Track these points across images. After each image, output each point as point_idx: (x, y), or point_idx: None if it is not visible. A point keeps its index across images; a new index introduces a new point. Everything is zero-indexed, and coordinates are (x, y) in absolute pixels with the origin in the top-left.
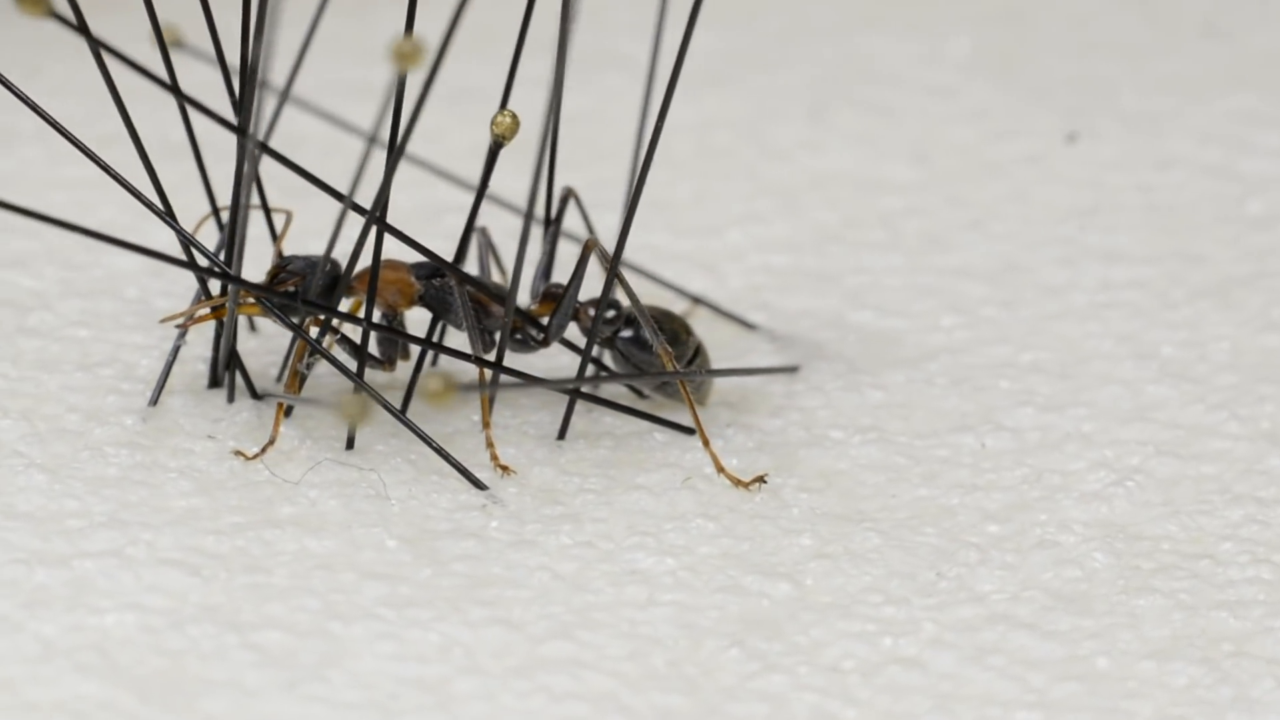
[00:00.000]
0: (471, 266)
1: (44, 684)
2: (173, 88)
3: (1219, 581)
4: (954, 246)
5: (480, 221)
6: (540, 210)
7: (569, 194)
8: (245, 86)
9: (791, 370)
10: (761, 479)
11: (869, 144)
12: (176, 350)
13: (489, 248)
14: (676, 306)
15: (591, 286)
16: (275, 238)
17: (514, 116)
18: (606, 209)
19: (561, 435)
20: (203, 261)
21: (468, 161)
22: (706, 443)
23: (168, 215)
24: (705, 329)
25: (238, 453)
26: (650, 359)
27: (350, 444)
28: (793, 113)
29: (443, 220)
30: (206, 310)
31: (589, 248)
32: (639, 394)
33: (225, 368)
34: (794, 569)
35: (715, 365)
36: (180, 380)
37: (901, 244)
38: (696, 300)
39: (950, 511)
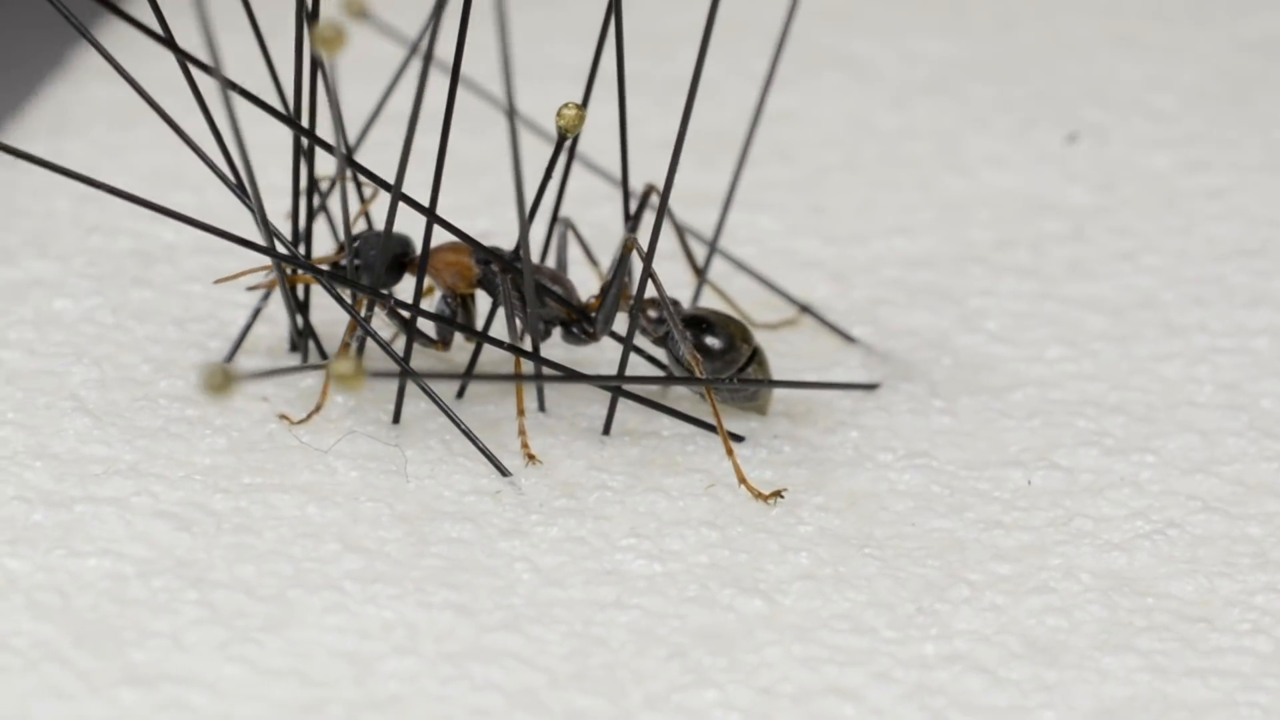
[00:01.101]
0: (547, 256)
1: None
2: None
3: (1206, 648)
4: (1096, 277)
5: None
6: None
7: (650, 191)
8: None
9: (869, 388)
10: (779, 494)
11: (1058, 164)
12: (257, 312)
13: (566, 239)
14: (786, 313)
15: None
16: (351, 211)
17: (578, 108)
18: (762, 209)
19: (606, 430)
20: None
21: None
22: (730, 451)
23: (238, 188)
24: (807, 339)
25: (282, 416)
26: (714, 365)
27: (396, 418)
28: (998, 127)
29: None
30: (262, 275)
31: (629, 246)
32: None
33: (299, 334)
34: (775, 587)
35: (800, 375)
36: (268, 342)
37: (1043, 270)
38: (803, 309)
39: (961, 546)
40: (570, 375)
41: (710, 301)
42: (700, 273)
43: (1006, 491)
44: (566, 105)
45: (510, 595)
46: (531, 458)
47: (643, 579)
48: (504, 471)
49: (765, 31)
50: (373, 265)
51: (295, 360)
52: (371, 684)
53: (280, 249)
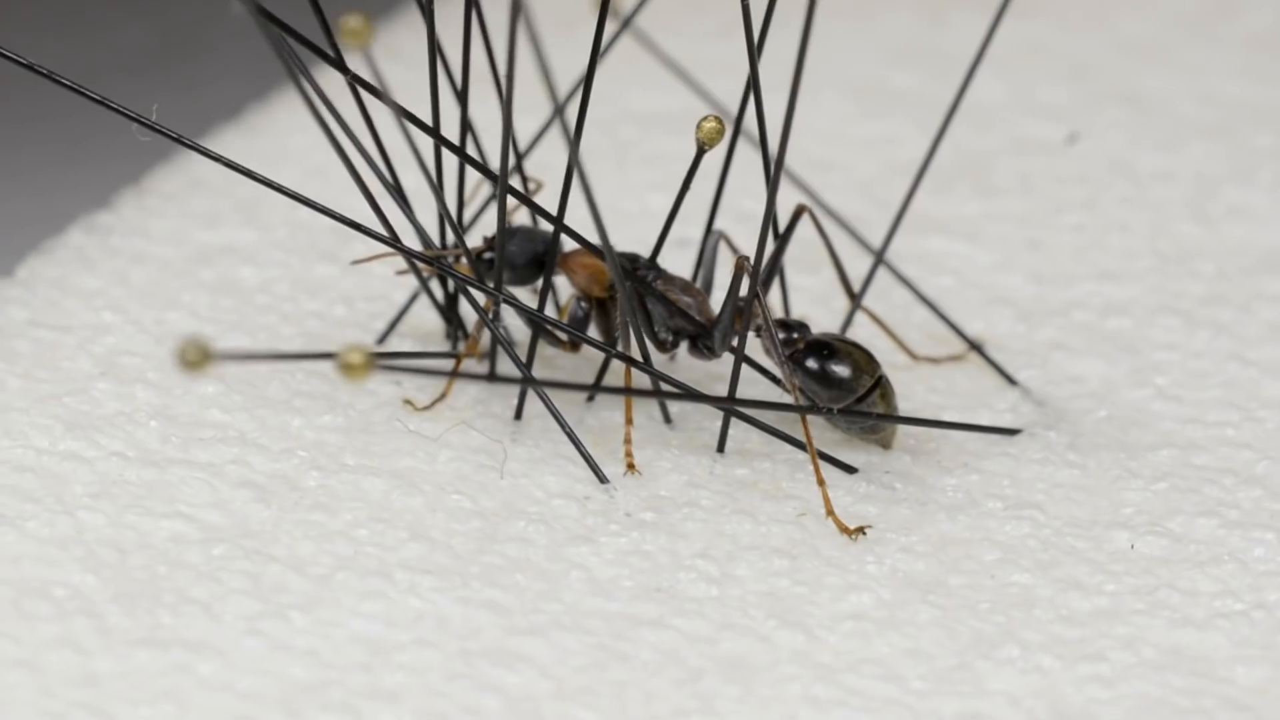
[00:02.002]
0: (699, 268)
1: (42, 564)
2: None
3: None
4: None
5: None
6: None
7: (801, 211)
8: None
9: (1009, 433)
10: (863, 530)
11: None
12: (415, 296)
13: (716, 252)
14: (955, 348)
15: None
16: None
17: (719, 120)
18: (978, 240)
19: (720, 448)
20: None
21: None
22: (821, 481)
23: (394, 183)
24: (969, 376)
25: (406, 401)
26: (830, 393)
27: (518, 414)
28: (1263, 177)
29: (730, 224)
30: (402, 262)
31: (740, 267)
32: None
33: (449, 322)
34: (821, 623)
35: (943, 412)
36: (428, 328)
37: (1242, 330)
38: (972, 346)
39: (1032, 604)
40: (679, 392)
41: (865, 329)
42: (855, 298)
43: (1103, 553)
44: (706, 118)
45: (553, 601)
46: (631, 467)
47: (692, 601)
48: (602, 478)
49: (1065, 59)
50: (512, 261)
51: (445, 348)
52: (380, 672)
53: (416, 245)
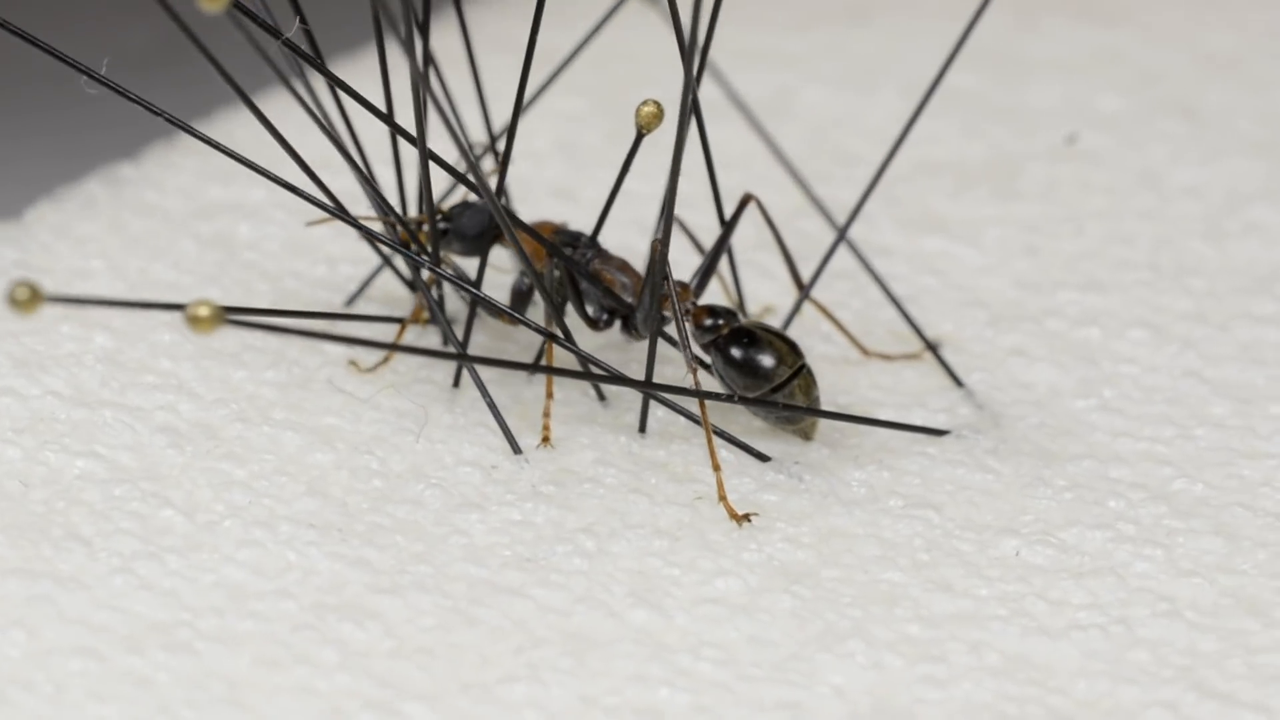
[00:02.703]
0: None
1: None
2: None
3: None
4: (1262, 364)
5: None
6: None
7: (748, 200)
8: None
9: (938, 434)
10: (749, 517)
11: None
12: (385, 262)
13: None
14: (913, 346)
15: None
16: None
17: (657, 105)
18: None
19: (641, 429)
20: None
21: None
22: (716, 466)
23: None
24: (920, 375)
25: (351, 362)
26: (747, 381)
27: (456, 382)
28: None
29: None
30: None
31: (654, 249)
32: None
33: (411, 289)
34: (679, 605)
35: (877, 410)
36: (401, 293)
37: (1213, 348)
38: (927, 345)
39: (894, 602)
40: (603, 374)
41: (812, 323)
42: (804, 288)
43: (986, 558)
44: (645, 103)
45: (423, 563)
46: (546, 440)
47: (559, 573)
48: (516, 449)
49: (1137, 69)
50: (464, 232)
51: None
52: (232, 617)
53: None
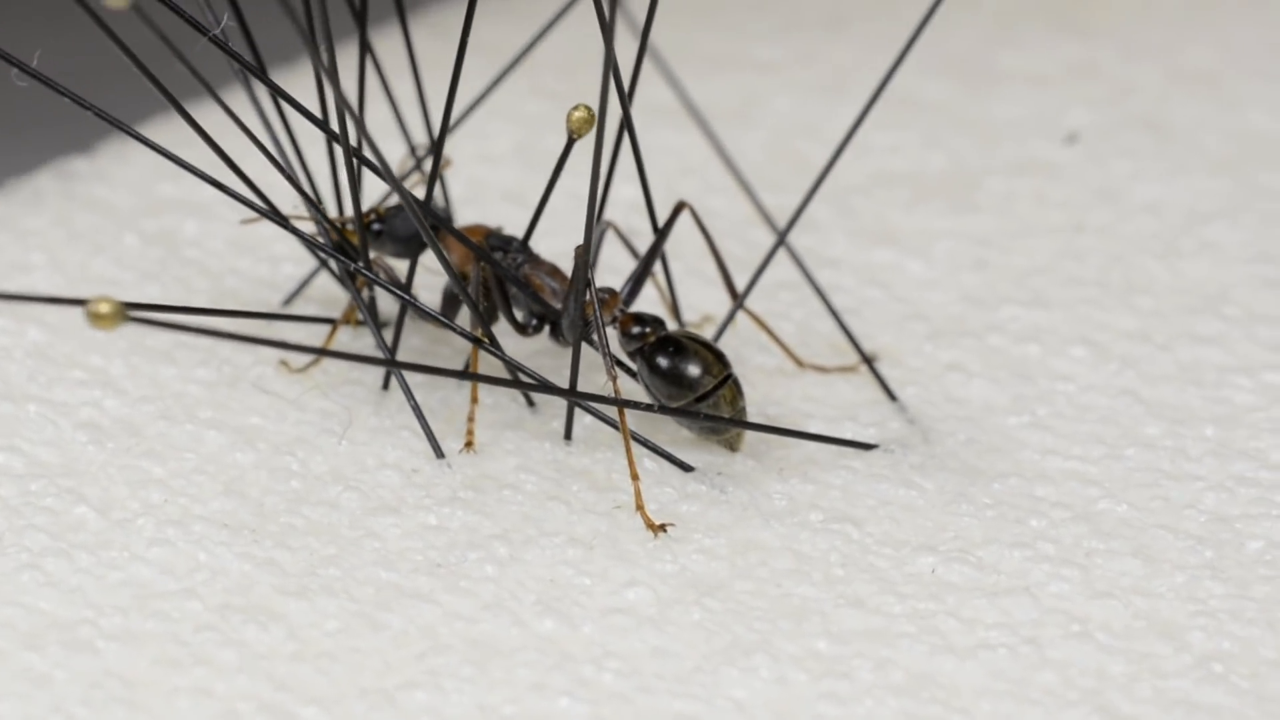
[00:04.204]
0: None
1: None
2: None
3: None
4: (1200, 385)
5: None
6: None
7: (681, 207)
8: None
9: (866, 448)
10: (665, 527)
11: (1274, 264)
12: (321, 264)
13: (601, 242)
14: (849, 359)
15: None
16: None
17: (589, 110)
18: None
19: (567, 436)
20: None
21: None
22: (634, 476)
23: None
24: (854, 388)
25: (282, 363)
26: (671, 390)
27: (386, 384)
28: (1247, 218)
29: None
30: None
31: (577, 256)
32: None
33: (341, 285)
34: (586, 615)
35: (807, 422)
36: (337, 292)
37: (1152, 367)
38: (863, 358)
39: (804, 617)
40: (531, 382)
41: (749, 333)
42: (738, 297)
43: (901, 574)
44: (576, 108)
45: (333, 566)
46: (469, 445)
47: (469, 579)
48: (439, 453)
49: (1111, 84)
50: (395, 234)
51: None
52: (135, 616)
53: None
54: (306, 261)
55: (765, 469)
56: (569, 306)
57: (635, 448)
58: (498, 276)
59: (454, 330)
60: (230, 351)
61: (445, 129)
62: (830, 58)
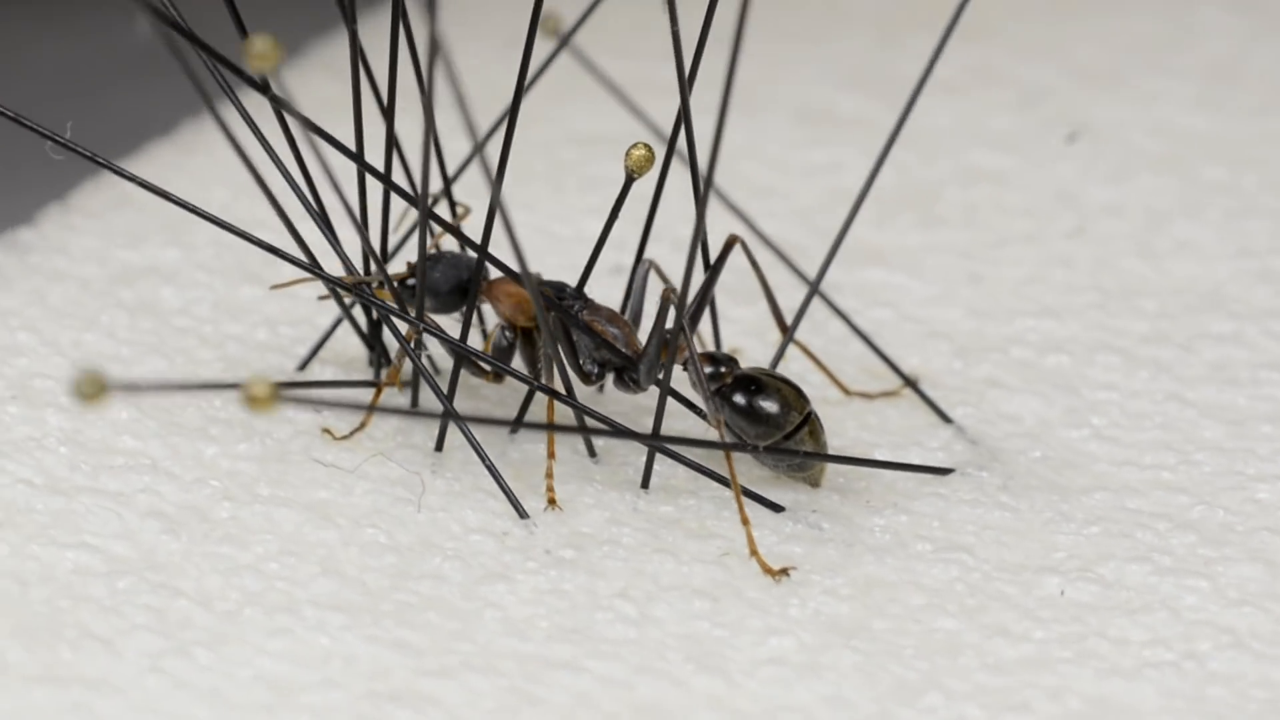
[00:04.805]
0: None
1: None
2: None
3: None
4: (1236, 383)
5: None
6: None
7: (734, 241)
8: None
9: (943, 473)
10: (786, 571)
11: (1257, 260)
12: (338, 322)
13: (645, 282)
14: (889, 384)
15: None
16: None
17: (648, 148)
18: (918, 272)
19: (644, 484)
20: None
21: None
22: (745, 520)
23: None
24: (901, 413)
25: (325, 430)
26: (758, 429)
27: (439, 445)
28: (1210, 213)
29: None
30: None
31: (665, 298)
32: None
33: (370, 349)
34: (742, 668)
35: (874, 450)
36: (352, 353)
37: (1185, 369)
38: (907, 382)
39: (958, 651)
40: (604, 428)
41: (797, 363)
42: (787, 330)
43: (1033, 599)
44: (635, 146)
45: (465, 641)
46: (553, 502)
47: (608, 642)
48: (522, 513)
49: (1018, 87)
50: (435, 288)
51: (371, 376)
52: (284, 713)
53: (339, 271)
54: (302, 322)
55: (852, 503)
56: (649, 350)
57: (716, 490)
58: (563, 324)
59: (529, 383)
60: (265, 424)
61: (502, 173)
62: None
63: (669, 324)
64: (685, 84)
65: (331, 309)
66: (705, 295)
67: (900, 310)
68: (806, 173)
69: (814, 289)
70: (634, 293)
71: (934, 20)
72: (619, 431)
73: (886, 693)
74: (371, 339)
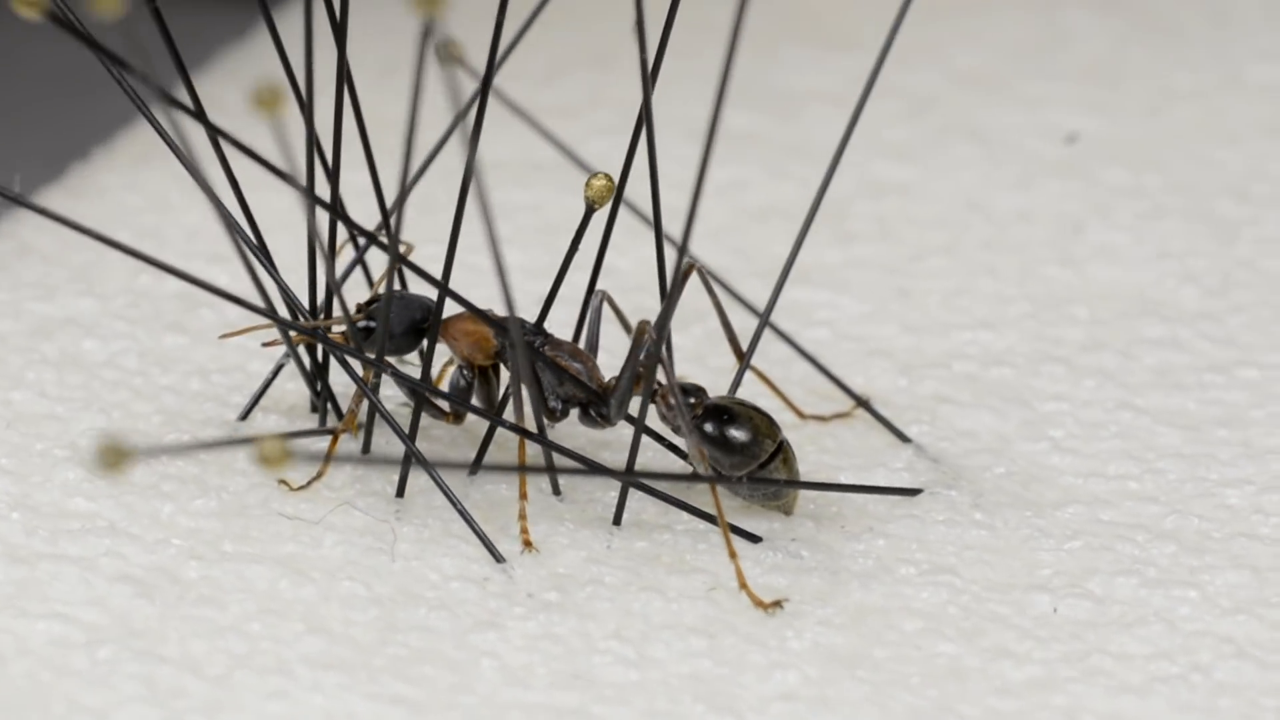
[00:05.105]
0: (581, 330)
1: None
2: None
3: None
4: (1182, 388)
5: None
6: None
7: (691, 269)
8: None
9: (910, 493)
10: (779, 603)
11: (1176, 261)
12: (279, 368)
13: (600, 314)
14: (840, 405)
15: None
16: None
17: (608, 178)
18: (847, 289)
19: (616, 521)
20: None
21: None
22: (733, 554)
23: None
24: (857, 435)
25: (282, 482)
26: (733, 459)
27: (400, 491)
28: (1120, 216)
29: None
30: (273, 333)
31: (640, 330)
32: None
33: (316, 395)
34: (751, 706)
35: (839, 474)
36: (292, 400)
37: (1129, 376)
38: (859, 402)
39: (964, 675)
40: (577, 466)
41: (754, 389)
42: (743, 356)
43: (1027, 618)
44: (595, 176)
45: (466, 693)
46: (529, 545)
47: (612, 686)
48: (498, 557)
49: (904, 96)
50: (393, 330)
51: (314, 422)
52: None
53: (286, 310)
54: (234, 369)
55: (828, 530)
56: (622, 384)
57: (690, 523)
58: (531, 362)
59: (499, 423)
60: (217, 478)
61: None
62: (612, 96)
63: (643, 355)
64: (649, 117)
65: (263, 355)
66: (665, 325)
67: (836, 329)
68: (712, 192)
69: (764, 320)
70: (589, 325)
71: (806, 32)
72: (594, 469)
73: None
74: (317, 385)
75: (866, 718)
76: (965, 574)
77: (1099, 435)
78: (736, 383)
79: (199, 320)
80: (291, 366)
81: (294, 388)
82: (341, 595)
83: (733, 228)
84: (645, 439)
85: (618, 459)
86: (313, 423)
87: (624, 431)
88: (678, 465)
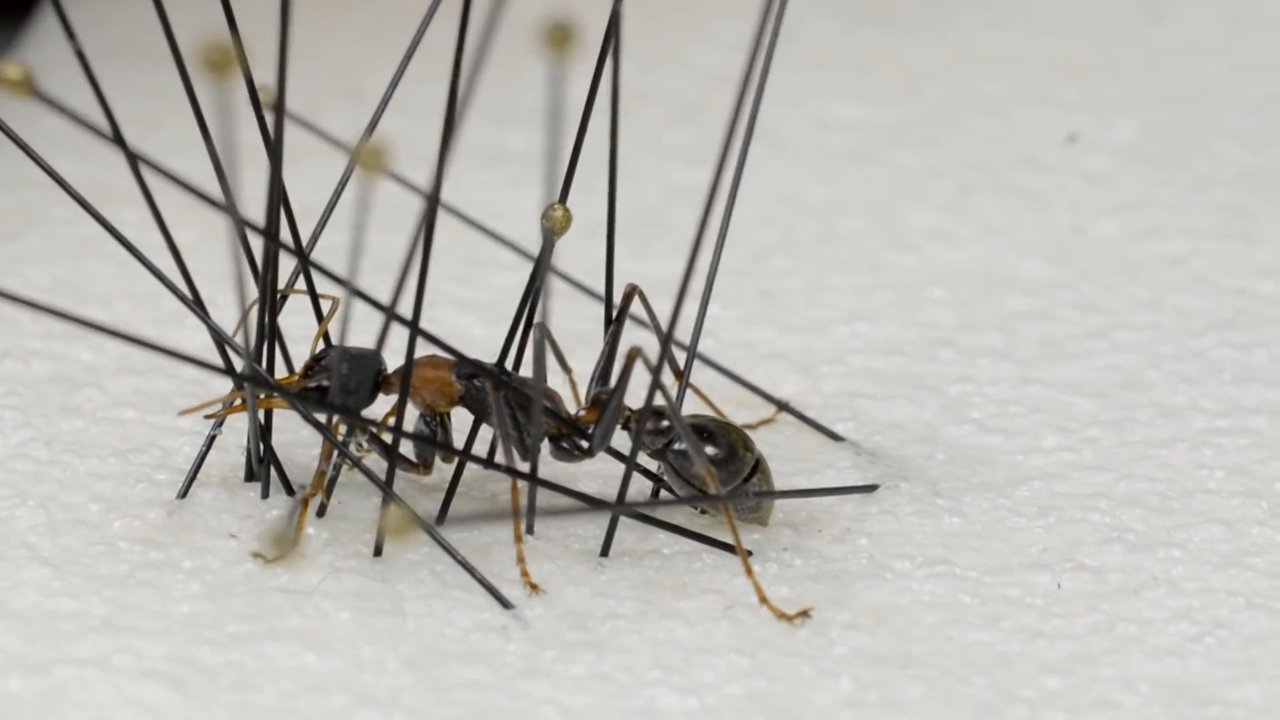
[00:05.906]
0: (526, 366)
1: None
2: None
3: None
4: (1073, 357)
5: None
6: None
7: (633, 292)
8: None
9: (868, 490)
10: (805, 613)
11: (1006, 235)
12: (211, 440)
13: (543, 348)
14: (762, 412)
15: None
16: (319, 323)
17: (565, 210)
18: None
19: (604, 552)
20: (229, 356)
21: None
22: (749, 570)
23: (198, 305)
24: (787, 438)
25: (256, 555)
26: (719, 477)
27: (378, 551)
28: (934, 198)
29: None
30: (225, 405)
31: (632, 356)
32: (698, 509)
33: (260, 462)
34: (823, 717)
35: (791, 479)
36: (219, 470)
37: (1017, 351)
38: (782, 406)
39: (1007, 660)
40: (572, 504)
41: (691, 405)
42: (681, 375)
43: (1038, 597)
44: (553, 207)
45: None
46: (534, 587)
47: (679, 715)
48: (506, 604)
49: (670, 101)
50: (349, 386)
51: (253, 489)
52: None
53: (241, 369)
54: (149, 447)
55: (808, 535)
56: (607, 414)
57: (679, 545)
58: (507, 401)
59: (487, 466)
60: (190, 560)
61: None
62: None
63: (633, 383)
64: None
65: (173, 428)
66: (612, 349)
67: (719, 337)
68: (527, 216)
69: (694, 348)
70: (535, 362)
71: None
72: (592, 504)
73: (973, 713)
74: (261, 451)
75: (936, 714)
76: (959, 562)
77: (1017, 412)
78: (679, 400)
79: (87, 400)
80: (218, 434)
81: (216, 458)
82: (371, 662)
83: (570, 250)
84: (599, 466)
85: (592, 490)
86: (248, 491)
87: (590, 464)
88: (648, 491)
